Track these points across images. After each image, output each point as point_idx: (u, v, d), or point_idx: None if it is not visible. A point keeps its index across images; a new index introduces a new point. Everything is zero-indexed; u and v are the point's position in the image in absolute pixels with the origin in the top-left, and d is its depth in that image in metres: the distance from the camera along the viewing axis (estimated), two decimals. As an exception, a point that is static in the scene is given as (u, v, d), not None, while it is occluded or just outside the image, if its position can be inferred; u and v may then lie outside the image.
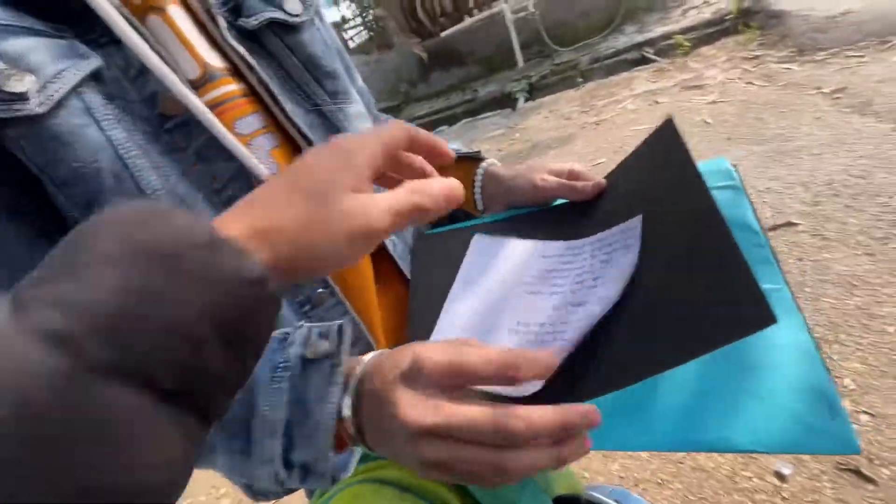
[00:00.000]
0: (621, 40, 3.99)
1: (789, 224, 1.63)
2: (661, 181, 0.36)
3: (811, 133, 2.04)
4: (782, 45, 2.88)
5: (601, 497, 0.38)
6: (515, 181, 0.48)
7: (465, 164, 0.53)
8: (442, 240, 0.47)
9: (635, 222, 0.36)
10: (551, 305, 0.35)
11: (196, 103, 0.36)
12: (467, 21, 4.76)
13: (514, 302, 0.38)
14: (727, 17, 3.38)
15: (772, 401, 0.28)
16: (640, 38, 3.85)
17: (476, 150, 0.54)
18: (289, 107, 0.42)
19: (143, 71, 0.35)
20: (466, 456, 0.24)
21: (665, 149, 0.37)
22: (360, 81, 0.56)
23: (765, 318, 0.24)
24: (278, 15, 0.44)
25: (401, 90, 5.36)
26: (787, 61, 2.71)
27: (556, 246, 0.41)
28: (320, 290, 0.40)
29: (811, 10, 2.97)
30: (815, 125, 2.09)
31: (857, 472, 0.97)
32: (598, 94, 3.64)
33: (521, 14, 4.32)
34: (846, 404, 1.10)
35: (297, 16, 0.45)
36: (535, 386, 0.29)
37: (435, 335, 0.39)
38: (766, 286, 0.26)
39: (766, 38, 3.05)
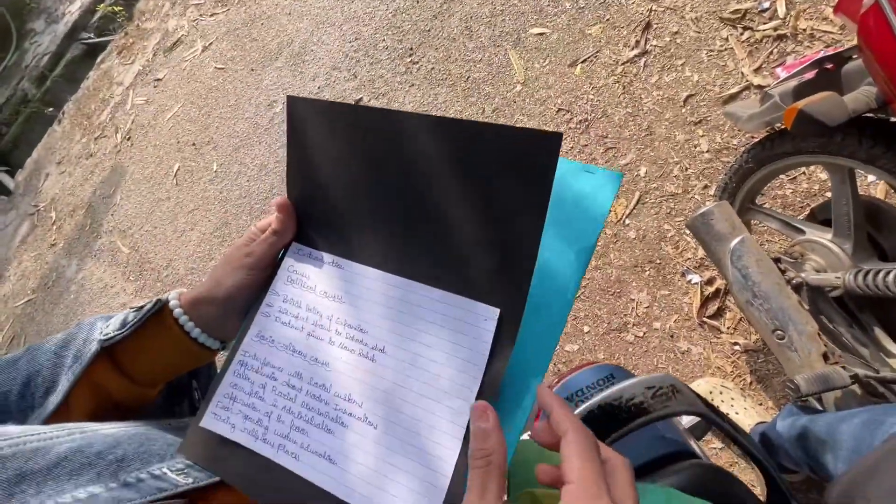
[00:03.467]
0: (44, 44, 3.15)
1: (358, 101, 1.88)
2: (346, 147, 0.35)
3: (295, 29, 2.25)
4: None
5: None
6: (226, 285, 0.36)
7: (152, 324, 0.36)
8: None
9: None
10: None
11: None
12: None
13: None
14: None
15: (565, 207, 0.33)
16: (61, 29, 3.11)
17: (151, 300, 0.36)
18: None
19: None
20: None
21: (315, 120, 0.35)
22: None
23: (554, 138, 0.28)
24: None
25: None
26: (219, -21, 2.74)
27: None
28: None
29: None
30: (289, 21, 2.29)
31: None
32: (89, 109, 2.93)
33: None
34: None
35: None
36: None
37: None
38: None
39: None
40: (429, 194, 0.32)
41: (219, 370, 0.37)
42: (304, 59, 2.15)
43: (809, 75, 0.73)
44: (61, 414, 0.34)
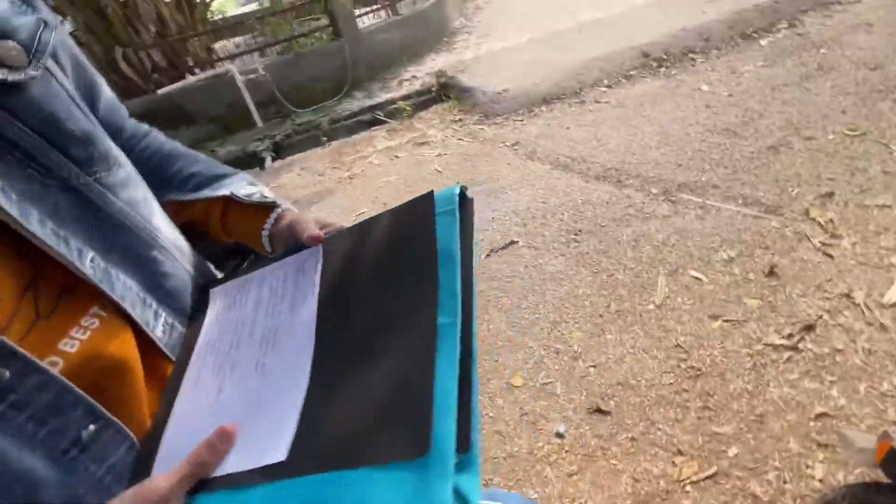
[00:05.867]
0: (354, 104, 4.43)
1: (513, 242, 2.13)
2: (400, 250, 0.38)
3: (507, 175, 2.74)
4: (474, 112, 3.78)
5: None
6: (288, 222, 0.49)
7: (261, 209, 0.52)
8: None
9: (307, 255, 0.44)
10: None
11: None
12: (190, 79, 4.37)
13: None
14: (432, 89, 4.21)
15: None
16: (369, 102, 4.35)
17: (274, 198, 0.53)
18: (16, 193, 0.34)
19: None
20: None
21: (415, 219, 0.39)
22: (106, 92, 0.50)
23: (418, 448, 0.26)
24: None
25: (109, 154, 4.41)
26: (480, 123, 3.57)
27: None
28: (92, 426, 0.32)
29: (484, 87, 4.02)
30: (507, 169, 2.81)
31: (599, 410, 1.32)
32: (345, 151, 3.91)
33: (252, 76, 4.27)
34: (579, 363, 1.49)
35: (19, 68, 0.36)
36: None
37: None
38: (441, 320, 0.32)
39: (462, 106, 3.93)
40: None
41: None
42: (497, 196, 2.57)
43: (941, 438, 0.64)
44: (184, 205, 0.52)
